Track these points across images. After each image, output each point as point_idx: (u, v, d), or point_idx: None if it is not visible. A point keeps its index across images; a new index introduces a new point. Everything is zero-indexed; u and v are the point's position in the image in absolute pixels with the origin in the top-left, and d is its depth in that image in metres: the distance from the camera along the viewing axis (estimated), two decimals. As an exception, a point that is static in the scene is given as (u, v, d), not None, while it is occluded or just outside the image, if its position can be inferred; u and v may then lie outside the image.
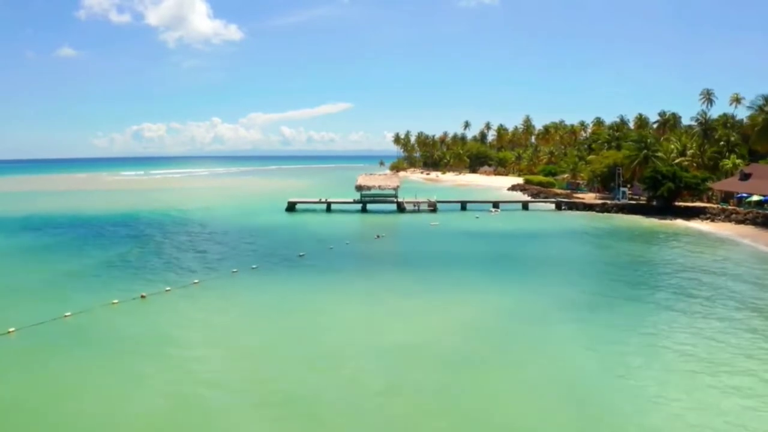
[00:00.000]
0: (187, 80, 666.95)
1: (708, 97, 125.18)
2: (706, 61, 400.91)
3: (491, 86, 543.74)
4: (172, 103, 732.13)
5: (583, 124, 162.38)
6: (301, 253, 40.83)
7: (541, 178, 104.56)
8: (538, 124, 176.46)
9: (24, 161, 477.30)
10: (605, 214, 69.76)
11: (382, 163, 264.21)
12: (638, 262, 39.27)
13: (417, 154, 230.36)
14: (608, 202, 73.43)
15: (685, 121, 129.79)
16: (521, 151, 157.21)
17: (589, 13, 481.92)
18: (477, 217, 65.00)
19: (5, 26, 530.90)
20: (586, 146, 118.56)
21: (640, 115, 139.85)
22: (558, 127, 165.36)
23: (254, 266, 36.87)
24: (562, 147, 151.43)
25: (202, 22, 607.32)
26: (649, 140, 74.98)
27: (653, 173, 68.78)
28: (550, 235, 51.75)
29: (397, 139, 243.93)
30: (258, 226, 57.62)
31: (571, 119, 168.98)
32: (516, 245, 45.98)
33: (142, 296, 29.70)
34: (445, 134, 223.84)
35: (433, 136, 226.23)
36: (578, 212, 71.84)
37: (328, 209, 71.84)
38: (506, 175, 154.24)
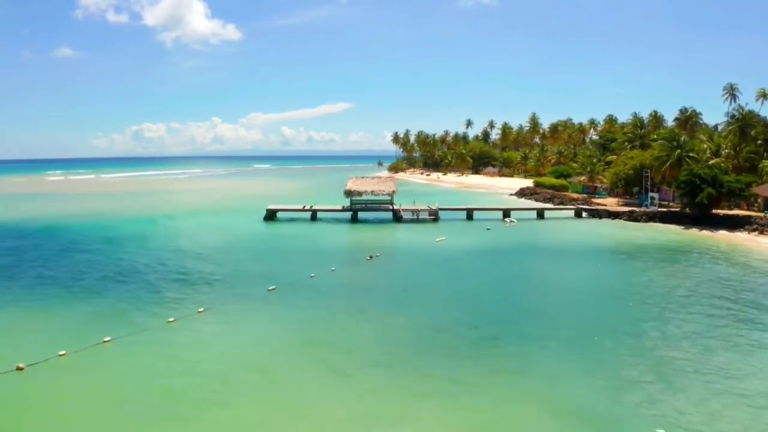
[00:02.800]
0: (186, 80, 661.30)
1: (731, 92, 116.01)
2: (708, 60, 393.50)
3: (492, 86, 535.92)
4: (172, 103, 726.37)
5: (593, 122, 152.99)
6: (271, 287, 31.33)
7: (553, 180, 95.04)
8: (543, 123, 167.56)
9: (23, 161, 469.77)
10: (634, 223, 60.45)
11: (380, 164, 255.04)
12: (713, 303, 29.72)
13: (417, 154, 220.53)
14: (636, 209, 64.09)
15: (705, 119, 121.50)
16: (527, 151, 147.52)
17: (588, 12, 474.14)
18: (488, 229, 55.51)
19: (2, 26, 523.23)
20: (600, 145, 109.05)
21: (656, 112, 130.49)
22: (566, 125, 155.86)
23: (201, 309, 27.37)
24: (572, 146, 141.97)
25: (200, 22, 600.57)
26: (682, 138, 65.55)
27: (690, 176, 59.54)
28: (583, 256, 42.05)
29: (396, 139, 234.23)
30: (228, 242, 47.98)
31: (573, 119, 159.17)
32: (545, 273, 36.22)
33: (19, 368, 20.32)
34: (446, 133, 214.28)
35: (434, 135, 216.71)
36: (601, 221, 62.49)
37: (314, 218, 62.23)
38: (511, 176, 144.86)
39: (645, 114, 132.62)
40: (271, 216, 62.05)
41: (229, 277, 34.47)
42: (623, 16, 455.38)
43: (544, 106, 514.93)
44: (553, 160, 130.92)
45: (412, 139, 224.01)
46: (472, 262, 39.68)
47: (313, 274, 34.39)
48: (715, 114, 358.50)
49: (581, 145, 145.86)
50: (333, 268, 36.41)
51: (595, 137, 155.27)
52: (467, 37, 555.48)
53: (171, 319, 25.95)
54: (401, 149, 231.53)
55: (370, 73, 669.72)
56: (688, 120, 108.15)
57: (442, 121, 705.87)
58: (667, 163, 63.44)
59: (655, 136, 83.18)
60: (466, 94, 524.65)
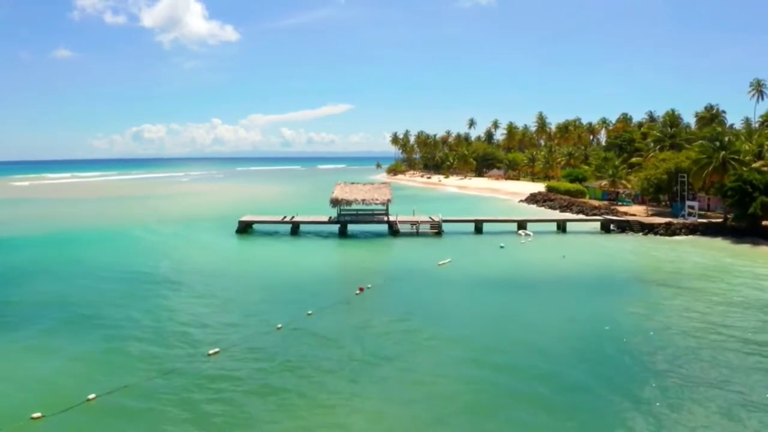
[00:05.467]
0: (186, 81, 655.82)
1: (759, 89, 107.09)
2: (710, 61, 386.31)
3: (493, 87, 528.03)
4: (172, 104, 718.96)
5: (604, 121, 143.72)
6: (214, 350, 21.78)
7: (568, 184, 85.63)
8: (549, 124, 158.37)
9: (23, 162, 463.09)
10: (672, 237, 51.17)
11: (379, 165, 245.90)
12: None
13: (417, 156, 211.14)
14: (673, 221, 54.76)
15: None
16: (534, 152, 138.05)
17: (585, 13, 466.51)
18: (501, 247, 46.06)
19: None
20: (616, 146, 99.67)
21: (673, 111, 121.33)
22: (576, 125, 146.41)
23: (92, 396, 17.89)
24: (582, 147, 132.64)
25: (198, 24, 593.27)
26: (726, 138, 56.25)
27: (739, 183, 50.38)
28: (631, 289, 32.67)
29: (395, 139, 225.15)
30: (182, 268, 37.96)
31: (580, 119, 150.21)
32: (584, 323, 26.46)
33: None
34: (448, 133, 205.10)
35: (435, 135, 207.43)
36: (633, 235, 53.06)
37: (295, 231, 52.80)
38: (517, 179, 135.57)
39: (660, 113, 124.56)
40: (244, 229, 52.62)
41: (160, 331, 24.77)
42: (619, 17, 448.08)
43: (545, 107, 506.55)
44: (562, 162, 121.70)
45: (412, 139, 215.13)
46: (485, 295, 30.27)
47: (280, 325, 24.88)
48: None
49: (590, 146, 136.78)
50: (309, 312, 26.83)
51: (602, 138, 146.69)
52: (467, 38, 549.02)
53: (36, 415, 16.70)
54: (401, 150, 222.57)
55: (370, 74, 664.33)
56: (714, 119, 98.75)
57: (443, 123, 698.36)
58: (710, 167, 54.07)
59: (678, 136, 74.39)
60: (468, 95, 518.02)
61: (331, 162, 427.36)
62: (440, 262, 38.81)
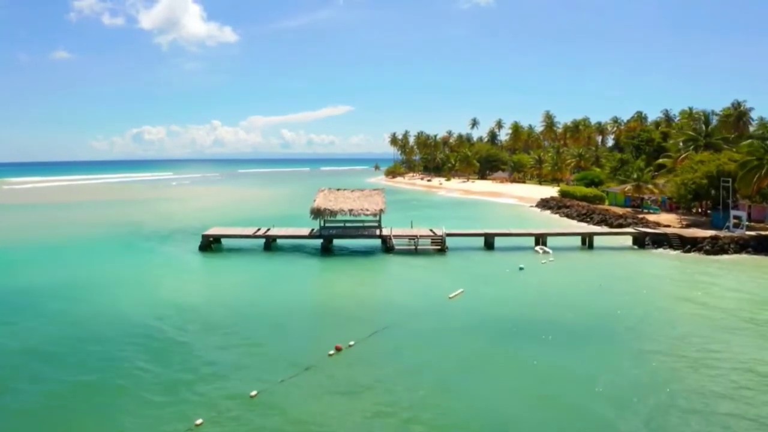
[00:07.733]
0: (185, 83, 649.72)
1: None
2: (709, 62, 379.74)
3: (495, 89, 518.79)
4: (172, 105, 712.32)
5: (616, 121, 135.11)
6: None
7: (584, 189, 77.11)
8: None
9: (23, 164, 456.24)
10: (720, 256, 42.63)
11: (377, 167, 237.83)
12: None
13: (417, 157, 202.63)
14: (719, 234, 46.21)
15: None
16: (541, 153, 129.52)
17: (586, 13, 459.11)
18: (521, 268, 37.41)
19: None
20: (634, 147, 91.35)
21: (690, 109, 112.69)
22: (585, 124, 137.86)
23: None
24: (593, 148, 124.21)
25: (196, 25, 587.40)
26: (779, 137, 47.89)
27: (801, 190, 42.14)
28: (714, 352, 24.33)
29: (394, 140, 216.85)
30: (117, 304, 29.60)
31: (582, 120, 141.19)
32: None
33: None
34: (449, 134, 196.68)
35: (435, 136, 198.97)
36: (672, 252, 44.48)
37: (269, 246, 44.20)
38: (523, 181, 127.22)
39: (675, 112, 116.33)
40: (208, 244, 43.90)
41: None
42: (619, 17, 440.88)
43: (546, 108, 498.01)
44: (572, 164, 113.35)
45: (412, 140, 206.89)
46: (521, 364, 20.95)
47: (200, 420, 16.01)
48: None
49: (599, 147, 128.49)
50: (253, 393, 17.87)
51: (609, 139, 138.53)
52: (467, 39, 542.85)
53: None
54: (400, 151, 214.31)
55: (370, 75, 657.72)
56: (741, 117, 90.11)
57: (444, 125, 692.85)
58: (762, 170, 45.67)
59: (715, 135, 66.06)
60: (468, 96, 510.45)
61: (332, 164, 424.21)
62: (451, 295, 30.14)
